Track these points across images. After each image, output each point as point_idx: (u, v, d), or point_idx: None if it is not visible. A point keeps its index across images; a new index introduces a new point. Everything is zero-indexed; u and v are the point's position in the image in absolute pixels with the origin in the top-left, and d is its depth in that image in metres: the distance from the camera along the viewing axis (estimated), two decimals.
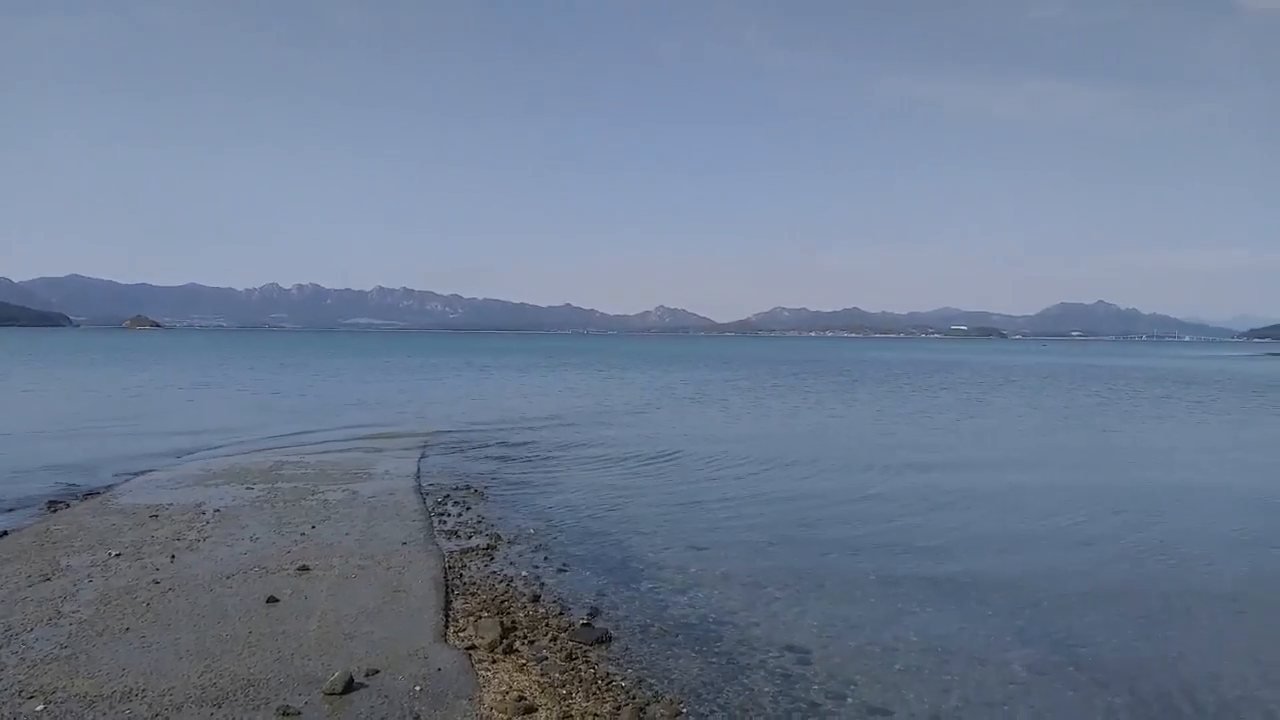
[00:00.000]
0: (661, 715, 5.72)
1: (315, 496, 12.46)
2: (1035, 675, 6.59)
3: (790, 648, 7.04)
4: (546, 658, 6.58)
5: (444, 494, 13.21)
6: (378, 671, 6.03)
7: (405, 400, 32.94)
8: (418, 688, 5.80)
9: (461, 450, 18.47)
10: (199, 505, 11.77)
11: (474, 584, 8.48)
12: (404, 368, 61.11)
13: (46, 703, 5.44)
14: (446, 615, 7.39)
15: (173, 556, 9.00)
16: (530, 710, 5.57)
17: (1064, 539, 11.09)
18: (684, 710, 5.82)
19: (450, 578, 8.57)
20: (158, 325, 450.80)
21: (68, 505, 11.90)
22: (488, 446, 19.18)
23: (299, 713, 5.37)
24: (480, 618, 7.34)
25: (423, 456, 17.23)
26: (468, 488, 13.83)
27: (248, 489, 13.02)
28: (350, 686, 5.71)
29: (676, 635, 7.27)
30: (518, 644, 6.79)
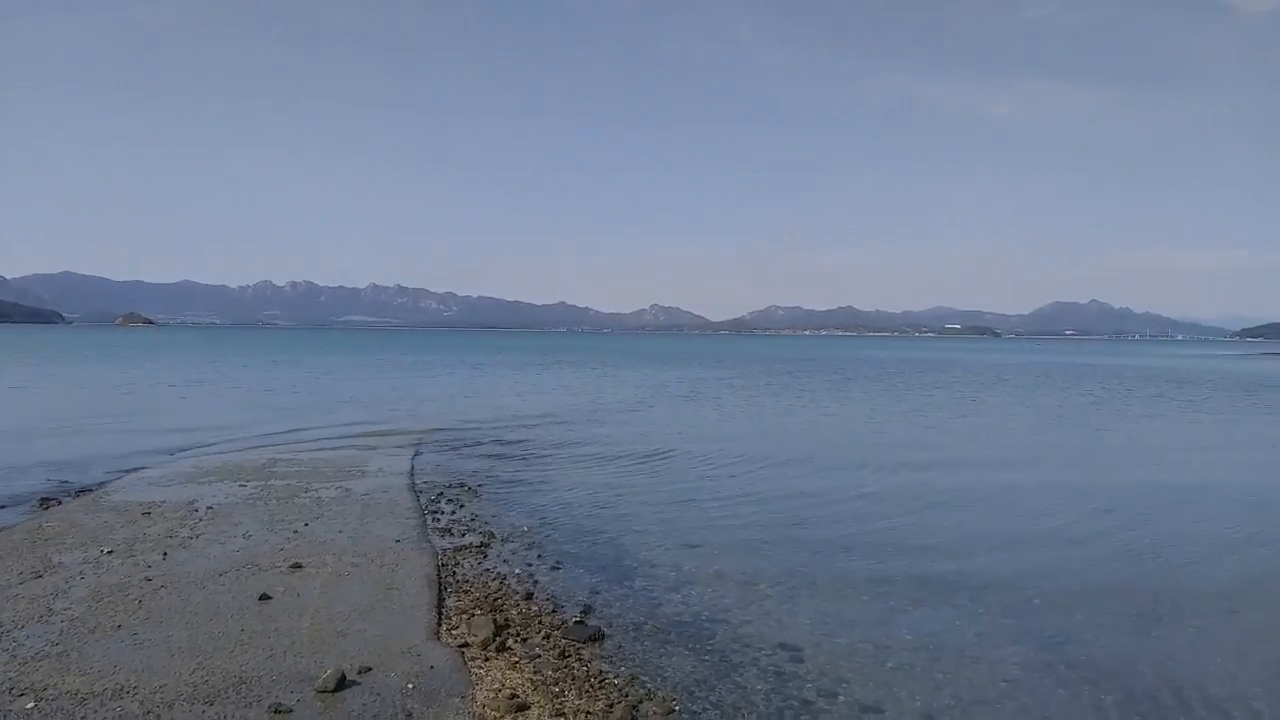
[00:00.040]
0: (654, 713, 5.73)
1: (308, 494, 12.44)
2: (1026, 673, 6.62)
3: (783, 645, 7.05)
4: (539, 655, 6.59)
5: (437, 491, 13.20)
6: (370, 669, 6.03)
7: (399, 398, 32.87)
8: (410, 685, 5.80)
9: (455, 448, 18.46)
10: (191, 502, 11.73)
11: (467, 582, 8.48)
12: (397, 365, 61.01)
13: (38, 700, 5.42)
14: (439, 613, 7.39)
15: (165, 554, 8.98)
16: (523, 708, 5.57)
17: (1056, 538, 11.14)
18: (677, 708, 5.83)
19: (443, 575, 8.57)
20: (151, 322, 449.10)
21: (60, 502, 11.86)
22: (481, 444, 19.16)
23: (291, 710, 5.37)
24: (473, 615, 7.34)
25: (416, 454, 17.21)
26: (461, 485, 13.82)
27: (240, 486, 12.99)
28: (342, 684, 5.71)
29: (670, 633, 7.28)
30: (510, 642, 6.80)
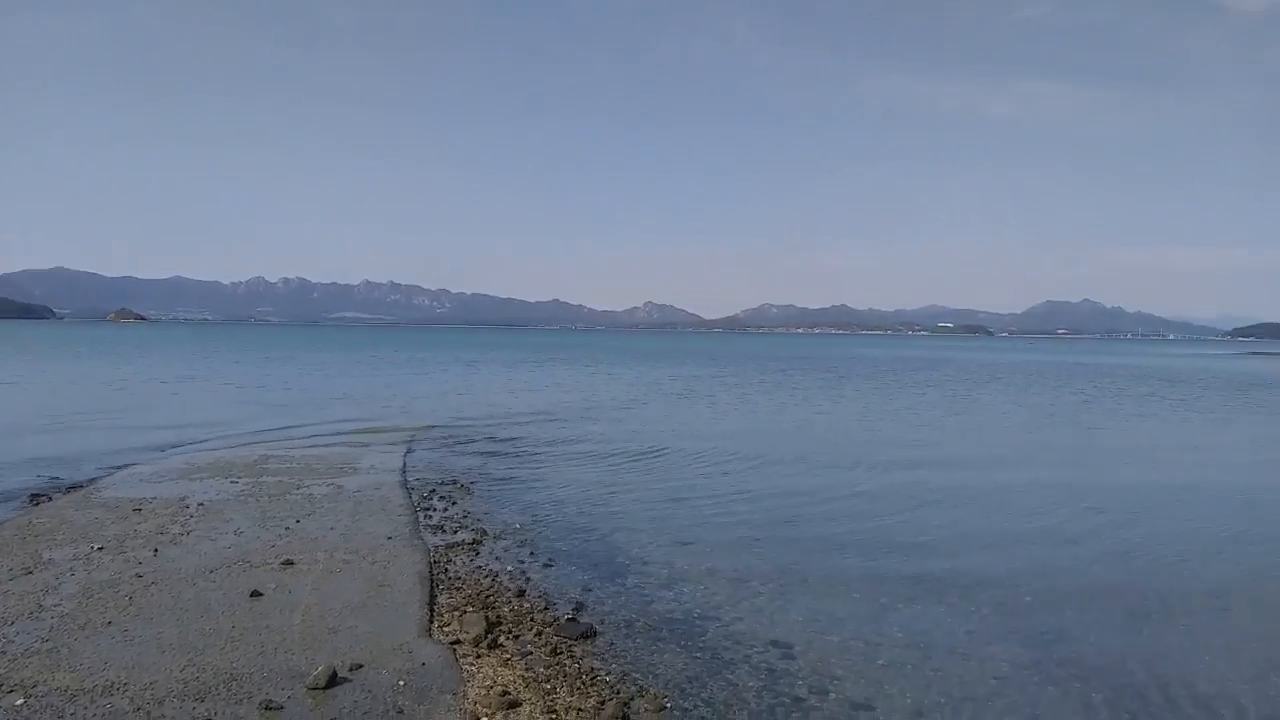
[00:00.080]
0: (646, 710, 5.74)
1: (300, 491, 12.41)
2: (1017, 671, 6.65)
3: (774, 643, 7.07)
4: (531, 653, 6.59)
5: (429, 489, 13.18)
6: (361, 666, 6.02)
7: (391, 395, 32.80)
8: (401, 682, 5.80)
9: (448, 445, 18.43)
10: (183, 499, 11.69)
11: (459, 579, 8.47)
12: (390, 362, 60.86)
13: (27, 696, 5.40)
14: (431, 610, 7.38)
15: (156, 550, 8.95)
16: (514, 705, 5.57)
17: (1047, 536, 11.19)
18: (668, 705, 5.83)
19: (435, 572, 8.56)
20: (142, 318, 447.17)
21: (50, 499, 11.80)
22: (474, 442, 19.14)
23: (282, 707, 5.36)
24: (465, 612, 7.34)
25: (408, 451, 17.18)
26: (454, 483, 13.80)
27: (232, 483, 12.95)
28: (334, 681, 5.70)
29: (661, 630, 7.29)
30: (502, 639, 6.79)
